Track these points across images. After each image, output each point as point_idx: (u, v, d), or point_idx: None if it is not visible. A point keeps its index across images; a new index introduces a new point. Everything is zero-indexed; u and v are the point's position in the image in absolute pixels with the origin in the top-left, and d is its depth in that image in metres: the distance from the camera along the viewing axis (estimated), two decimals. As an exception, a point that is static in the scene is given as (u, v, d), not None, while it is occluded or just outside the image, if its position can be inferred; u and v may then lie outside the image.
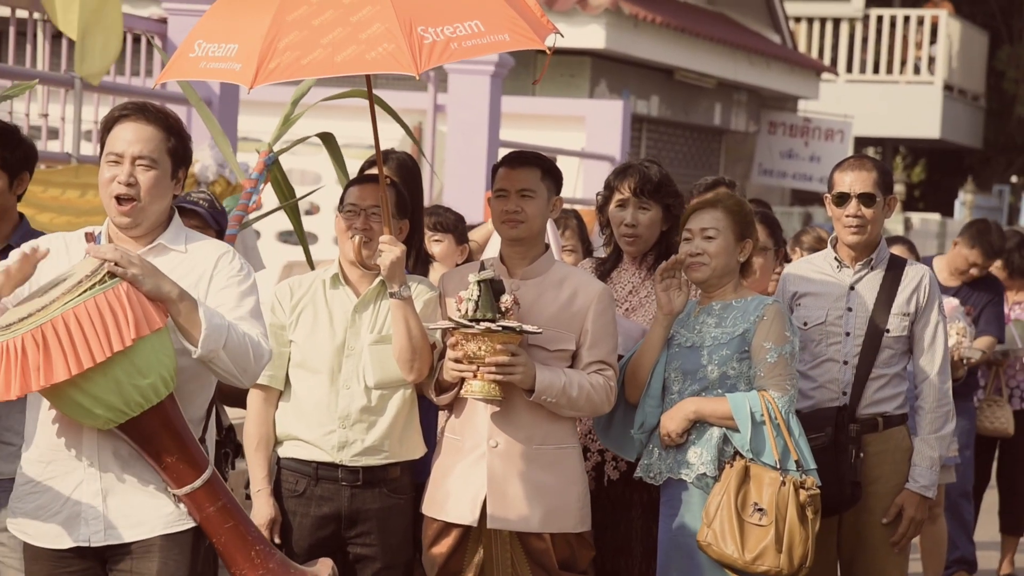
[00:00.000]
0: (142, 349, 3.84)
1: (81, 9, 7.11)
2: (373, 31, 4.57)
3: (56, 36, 7.84)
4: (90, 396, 3.84)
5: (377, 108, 5.26)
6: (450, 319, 4.86)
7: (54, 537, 4.08)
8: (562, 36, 4.96)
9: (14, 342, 3.77)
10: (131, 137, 4.12)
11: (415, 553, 5.17)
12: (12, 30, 7.77)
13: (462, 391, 4.90)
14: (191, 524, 4.11)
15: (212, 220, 5.14)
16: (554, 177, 5.09)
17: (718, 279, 5.13)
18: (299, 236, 6.27)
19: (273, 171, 6.12)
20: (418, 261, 5.40)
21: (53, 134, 8.07)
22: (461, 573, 5.02)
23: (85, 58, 7.19)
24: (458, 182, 10.20)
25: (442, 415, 5.17)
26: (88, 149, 7.98)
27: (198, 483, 4.05)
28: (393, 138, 7.24)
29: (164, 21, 8.35)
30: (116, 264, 3.86)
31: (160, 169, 4.14)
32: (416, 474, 5.11)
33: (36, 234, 5.14)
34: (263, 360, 4.12)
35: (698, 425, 5.05)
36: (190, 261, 4.18)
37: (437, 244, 6.03)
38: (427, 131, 9.84)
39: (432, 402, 5.11)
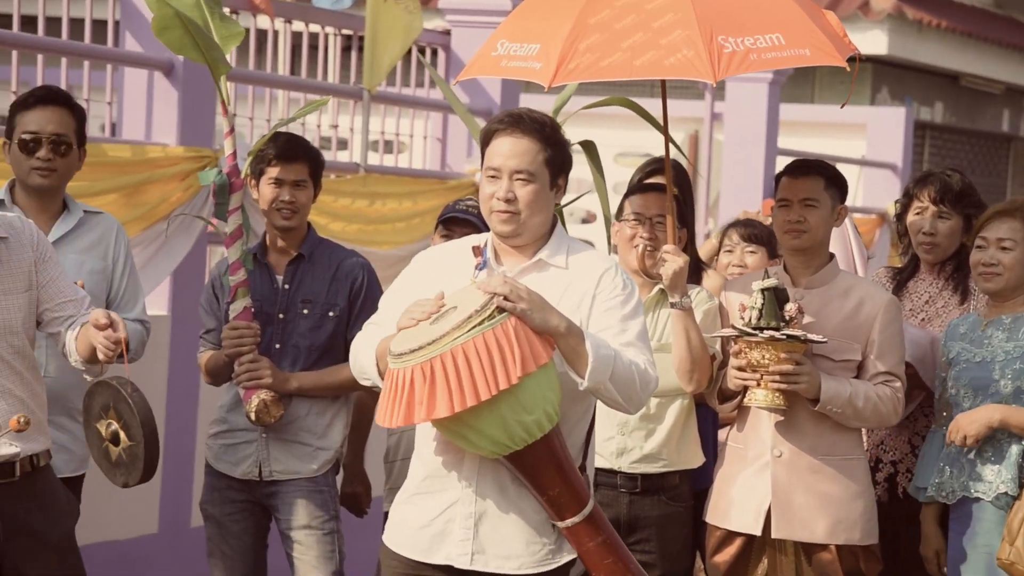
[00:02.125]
0: (528, 385, 3.77)
1: (372, 23, 7.25)
2: (674, 37, 4.60)
3: (346, 49, 8.01)
4: (474, 430, 3.81)
5: (645, 117, 5.27)
6: (733, 327, 4.83)
7: (420, 550, 4.05)
8: (860, 56, 4.91)
9: (403, 372, 3.77)
10: (507, 151, 4.03)
11: (693, 562, 5.15)
12: (305, 43, 7.96)
13: (745, 400, 4.87)
14: (560, 562, 4.04)
15: (485, 226, 5.19)
16: (838, 186, 5.02)
17: (1011, 291, 4.97)
18: None
19: None
20: (692, 270, 5.37)
21: (342, 144, 8.25)
22: None
23: (370, 70, 7.32)
24: (735, 191, 10.15)
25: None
26: (375, 159, 8.14)
27: (579, 517, 3.95)
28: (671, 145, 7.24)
29: (447, 33, 8.46)
30: (505, 298, 3.79)
31: (538, 182, 4.03)
32: (695, 482, 5.10)
33: (324, 243, 5.32)
34: (649, 388, 3.99)
35: (995, 442, 4.91)
36: (571, 278, 4.06)
37: (751, 255, 6.00)
38: (703, 139, 9.81)
39: (709, 411, 5.06)
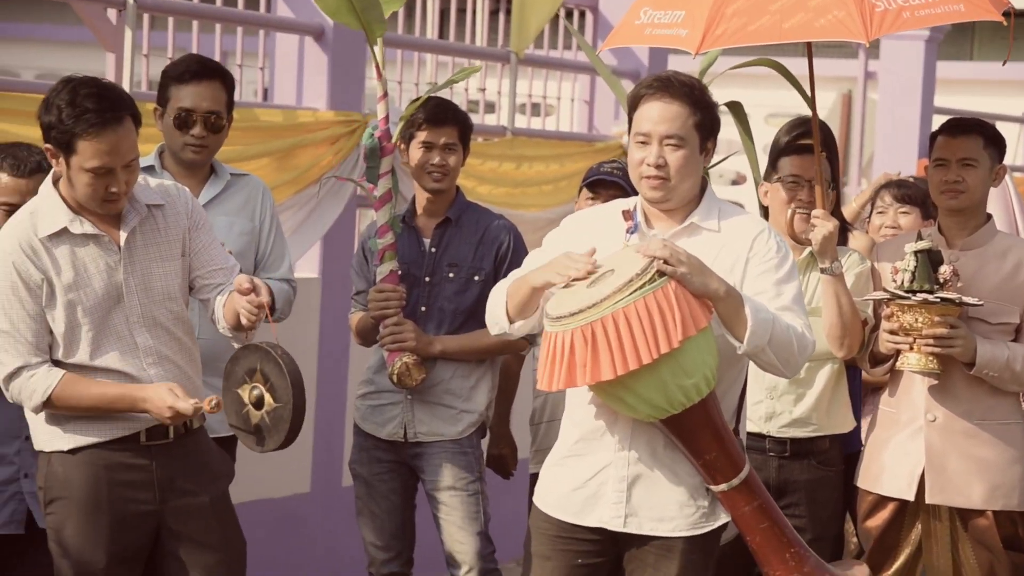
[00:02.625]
0: (688, 349, 3.75)
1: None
2: None
3: (494, 12, 8.01)
4: (634, 394, 3.81)
5: (789, 79, 5.20)
6: (885, 290, 4.79)
7: (572, 512, 4.06)
8: (1015, 10, 4.80)
9: (563, 336, 3.78)
10: (656, 116, 3.99)
11: (843, 526, 5.13)
12: (453, 7, 7.98)
13: (898, 364, 4.82)
14: (714, 525, 4.04)
15: (632, 188, 5.15)
16: (997, 145, 4.94)
17: None
18: None
19: None
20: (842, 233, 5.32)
21: (490, 108, 8.27)
22: (898, 547, 4.95)
23: (517, 34, 7.31)
24: (889, 150, 10.02)
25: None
26: (522, 122, 8.15)
27: (736, 481, 3.95)
28: (821, 107, 7.14)
29: None
30: (665, 262, 3.77)
31: (688, 147, 3.99)
32: (845, 446, 5.06)
33: (471, 207, 5.34)
34: (806, 352, 3.97)
35: None
36: (724, 241, 4.03)
37: (905, 217, 5.92)
38: (857, 99, 9.68)
39: (860, 374, 5.01)
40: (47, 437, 4.22)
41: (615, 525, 4.00)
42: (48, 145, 4.11)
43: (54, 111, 4.04)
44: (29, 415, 4.26)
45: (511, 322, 4.04)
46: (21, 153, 4.63)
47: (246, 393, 4.14)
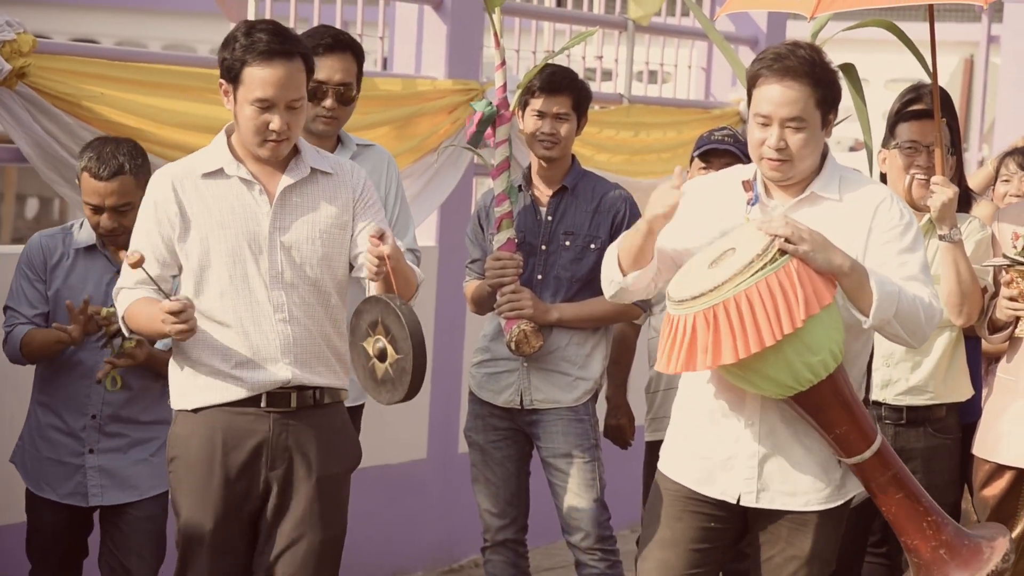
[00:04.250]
0: (812, 327, 3.74)
1: None
2: None
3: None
4: (759, 374, 3.80)
5: (905, 42, 5.13)
6: (1005, 256, 4.73)
7: (698, 480, 4.07)
8: None
9: (684, 319, 3.78)
10: (777, 99, 3.92)
11: (961, 495, 5.09)
12: None
13: (1017, 331, 4.78)
14: (847, 498, 4.05)
15: (746, 156, 5.12)
16: None
17: None
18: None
19: None
20: (960, 200, 5.24)
21: (606, 76, 8.27)
22: (1015, 516, 4.89)
23: (638, 1, 7.31)
24: (1012, 116, 9.89)
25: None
26: (639, 90, 8.15)
27: (868, 453, 3.94)
28: (942, 72, 7.07)
29: None
30: (787, 240, 3.75)
31: (809, 128, 3.94)
32: (963, 415, 5.03)
33: (588, 175, 5.34)
34: (934, 322, 3.94)
35: None
36: (845, 210, 3.99)
37: None
38: (979, 64, 9.54)
39: (980, 344, 4.97)
40: (176, 396, 4.26)
41: (748, 500, 4.01)
42: (221, 81, 4.13)
43: (231, 44, 4.08)
44: (170, 372, 4.29)
45: (624, 274, 4.02)
46: (106, 153, 4.68)
47: (370, 346, 4.09)
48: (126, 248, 4.37)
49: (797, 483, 3.99)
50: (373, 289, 4.17)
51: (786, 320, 3.68)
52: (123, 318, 4.21)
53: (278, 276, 4.16)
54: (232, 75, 4.08)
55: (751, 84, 4.01)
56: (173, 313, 4.00)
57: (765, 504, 4.00)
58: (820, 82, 3.94)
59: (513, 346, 5.17)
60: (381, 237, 4.00)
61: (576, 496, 5.26)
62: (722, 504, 4.04)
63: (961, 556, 3.94)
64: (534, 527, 5.60)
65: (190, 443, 4.21)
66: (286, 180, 4.17)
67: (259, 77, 4.04)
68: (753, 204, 4.00)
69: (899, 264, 3.93)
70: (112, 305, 4.44)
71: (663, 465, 4.16)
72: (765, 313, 3.69)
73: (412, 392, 4.07)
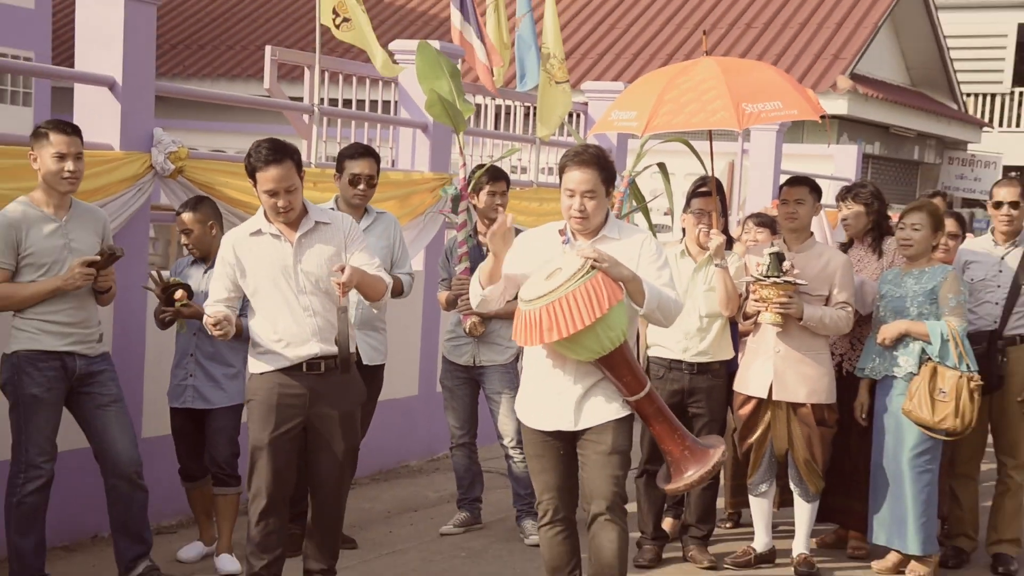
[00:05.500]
0: (611, 314, 3.54)
1: (542, 97, 6.90)
2: (716, 104, 4.53)
3: (527, 114, 8.07)
4: (579, 344, 3.57)
5: (693, 151, 5.15)
6: (752, 276, 4.74)
7: (540, 421, 3.78)
8: (827, 115, 4.80)
9: (533, 312, 3.55)
10: (577, 179, 3.69)
11: (727, 413, 5.03)
12: (503, 111, 8.02)
13: (759, 319, 4.78)
14: (624, 414, 3.76)
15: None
16: (817, 191, 4.90)
17: (919, 255, 4.86)
18: (650, 227, 6.13)
19: (633, 188, 6.06)
20: (727, 243, 5.31)
21: (524, 170, 8.32)
22: (756, 426, 4.88)
23: (541, 126, 7.18)
24: (756, 196, 9.85)
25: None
26: (543, 178, 8.04)
27: (641, 394, 3.72)
28: (716, 169, 7.16)
29: (586, 104, 8.50)
30: (595, 260, 3.56)
31: (598, 196, 3.70)
32: (729, 367, 4.98)
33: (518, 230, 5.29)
34: (678, 310, 3.74)
35: (905, 342, 4.77)
36: (624, 245, 3.74)
37: (761, 234, 5.65)
38: (737, 165, 9.73)
39: (737, 325, 4.98)
40: (251, 363, 4.04)
41: (567, 427, 3.75)
42: (249, 178, 3.91)
43: (250, 156, 3.87)
44: (249, 352, 4.04)
45: (483, 288, 3.75)
46: (191, 199, 4.57)
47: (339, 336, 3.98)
48: (201, 252, 4.41)
49: (599, 411, 3.73)
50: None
51: (597, 309, 3.52)
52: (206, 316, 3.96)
53: (303, 289, 3.94)
54: (251, 174, 3.87)
55: (561, 170, 3.75)
56: (213, 324, 3.85)
57: (583, 426, 3.75)
58: (604, 167, 3.73)
59: (467, 329, 5.11)
60: (342, 270, 3.79)
61: (505, 416, 5.17)
62: (557, 433, 3.80)
63: (697, 455, 3.79)
64: (481, 435, 5.54)
65: (258, 392, 3.98)
66: (300, 231, 3.95)
67: (265, 177, 3.83)
68: (567, 243, 3.79)
69: (656, 276, 3.73)
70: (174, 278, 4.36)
71: (520, 413, 3.85)
72: (586, 304, 3.52)
73: (344, 352, 3.96)
